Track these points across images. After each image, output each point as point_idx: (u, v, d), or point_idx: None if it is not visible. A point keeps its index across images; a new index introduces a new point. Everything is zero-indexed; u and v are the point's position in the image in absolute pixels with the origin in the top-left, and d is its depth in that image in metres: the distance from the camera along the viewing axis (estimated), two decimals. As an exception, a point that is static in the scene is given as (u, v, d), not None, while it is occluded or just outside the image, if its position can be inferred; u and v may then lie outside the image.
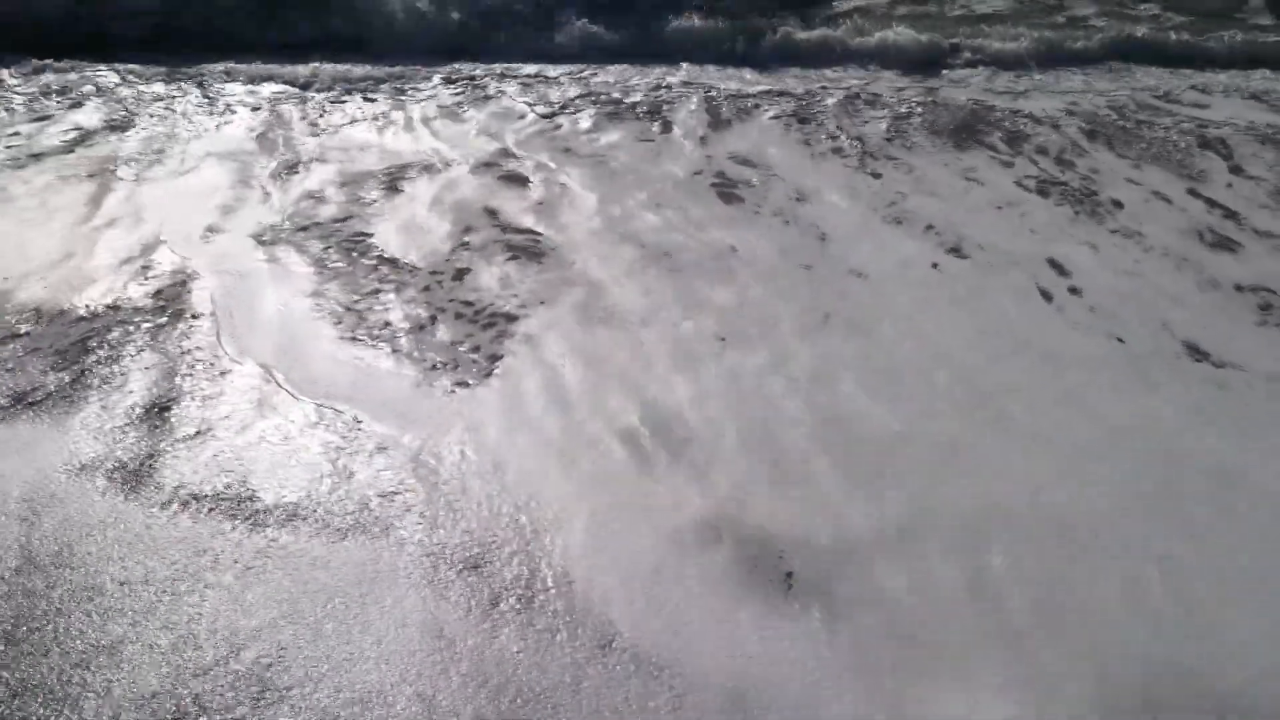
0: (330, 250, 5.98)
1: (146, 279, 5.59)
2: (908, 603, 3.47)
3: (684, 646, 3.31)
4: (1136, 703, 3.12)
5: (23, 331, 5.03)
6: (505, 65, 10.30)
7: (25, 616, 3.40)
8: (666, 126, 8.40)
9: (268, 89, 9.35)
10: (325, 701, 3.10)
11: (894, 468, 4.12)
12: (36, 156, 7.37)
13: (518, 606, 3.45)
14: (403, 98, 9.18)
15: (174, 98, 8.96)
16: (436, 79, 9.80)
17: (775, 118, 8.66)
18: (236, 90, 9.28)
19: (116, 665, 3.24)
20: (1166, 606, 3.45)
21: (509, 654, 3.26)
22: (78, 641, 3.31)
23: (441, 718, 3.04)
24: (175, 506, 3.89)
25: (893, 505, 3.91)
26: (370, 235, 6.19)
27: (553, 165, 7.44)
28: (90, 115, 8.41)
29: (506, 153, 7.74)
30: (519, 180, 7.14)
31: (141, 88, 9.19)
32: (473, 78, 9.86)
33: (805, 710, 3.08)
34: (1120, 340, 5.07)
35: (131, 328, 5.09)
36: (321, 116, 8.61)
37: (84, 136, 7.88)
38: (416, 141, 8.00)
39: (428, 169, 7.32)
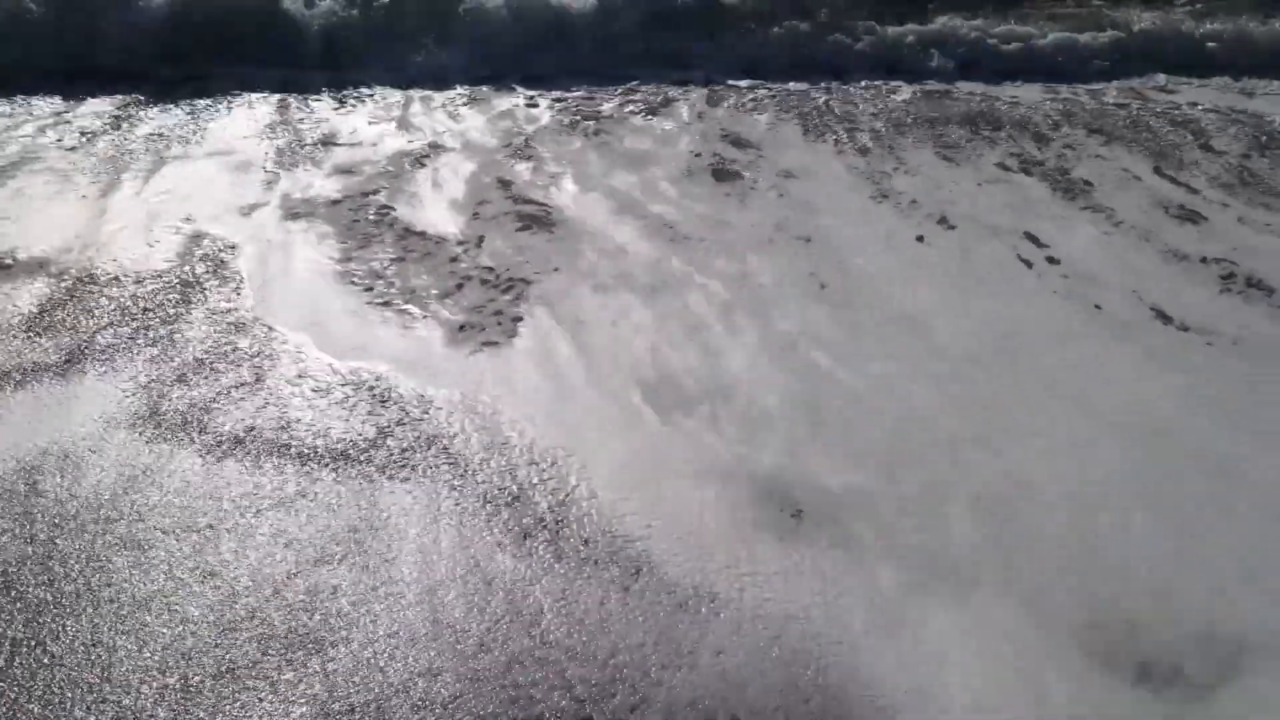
0: (359, 222, 6.28)
1: (192, 247, 5.88)
2: (907, 533, 3.79)
3: (708, 571, 3.61)
4: (1116, 617, 3.46)
5: (74, 294, 5.30)
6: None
7: (98, 549, 3.67)
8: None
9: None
10: (372, 630, 3.37)
11: (892, 421, 4.43)
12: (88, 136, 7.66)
13: (551, 541, 3.73)
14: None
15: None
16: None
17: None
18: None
19: (183, 592, 3.51)
20: (1144, 536, 3.78)
21: (544, 584, 3.55)
22: (150, 571, 3.58)
23: (481, 643, 3.32)
24: (223, 451, 4.16)
25: (890, 453, 4.22)
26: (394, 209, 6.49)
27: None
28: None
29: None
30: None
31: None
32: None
33: (827, 624, 3.39)
34: (1098, 307, 5.41)
35: (178, 292, 5.37)
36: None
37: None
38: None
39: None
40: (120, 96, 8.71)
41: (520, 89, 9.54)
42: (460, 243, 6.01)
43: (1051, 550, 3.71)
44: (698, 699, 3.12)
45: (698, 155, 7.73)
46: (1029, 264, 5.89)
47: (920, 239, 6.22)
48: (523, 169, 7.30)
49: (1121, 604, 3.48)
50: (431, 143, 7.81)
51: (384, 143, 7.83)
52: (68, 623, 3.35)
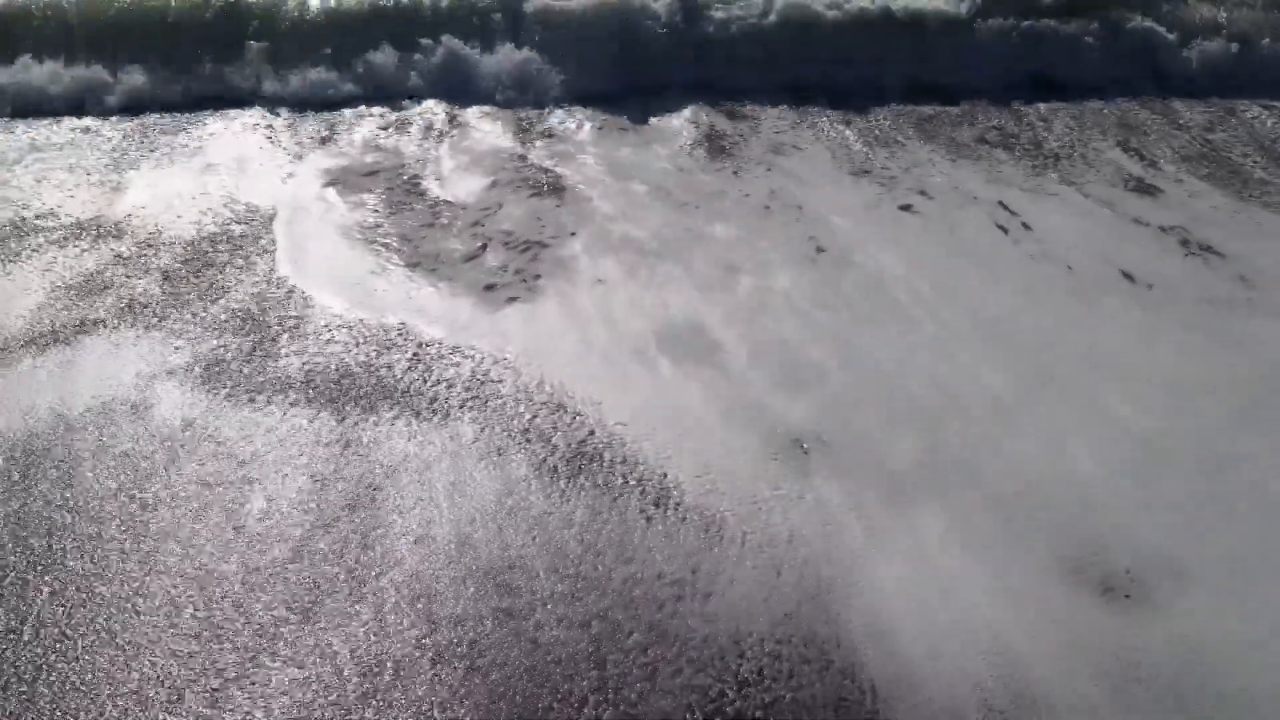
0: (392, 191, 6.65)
1: (239, 213, 6.23)
2: (895, 460, 4.22)
3: (725, 495, 4.03)
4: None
5: (133, 254, 5.67)
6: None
7: (156, 477, 4.04)
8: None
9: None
10: (414, 557, 3.75)
11: (885, 369, 4.85)
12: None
13: (576, 475, 4.12)
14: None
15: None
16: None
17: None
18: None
19: (238, 519, 3.90)
20: (1108, 466, 4.23)
21: (576, 513, 3.94)
22: (208, 510, 3.95)
23: (517, 563, 3.71)
24: (266, 398, 4.53)
25: (885, 393, 4.64)
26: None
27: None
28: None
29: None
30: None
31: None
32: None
33: (827, 544, 3.81)
34: (1069, 267, 5.83)
35: (226, 252, 5.73)
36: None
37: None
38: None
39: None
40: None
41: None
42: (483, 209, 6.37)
43: (1028, 479, 4.14)
44: (711, 614, 3.55)
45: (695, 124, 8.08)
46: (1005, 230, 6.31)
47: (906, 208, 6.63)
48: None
49: (1087, 527, 3.93)
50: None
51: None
52: (138, 546, 3.73)
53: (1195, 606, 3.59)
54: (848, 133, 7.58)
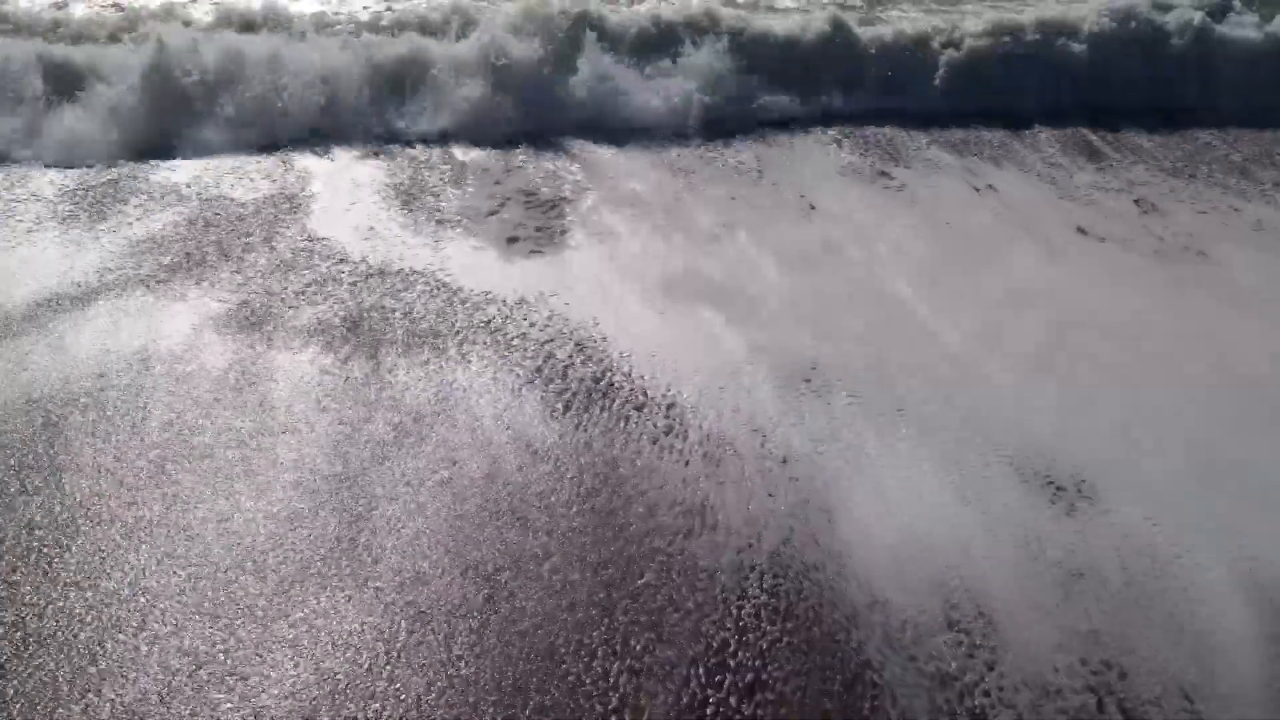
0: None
1: (278, 180, 6.71)
2: (879, 396, 4.75)
3: (734, 424, 4.54)
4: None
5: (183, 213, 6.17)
6: None
7: (194, 411, 4.53)
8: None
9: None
10: (443, 479, 4.14)
11: (875, 315, 5.38)
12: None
13: (594, 406, 4.59)
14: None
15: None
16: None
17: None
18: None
19: (274, 447, 4.34)
20: (1057, 390, 4.80)
21: (594, 437, 4.42)
22: (246, 443, 4.39)
23: (541, 484, 4.14)
24: (300, 343, 4.95)
25: (872, 333, 5.17)
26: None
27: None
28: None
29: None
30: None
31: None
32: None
33: (820, 462, 4.33)
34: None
35: (266, 213, 6.21)
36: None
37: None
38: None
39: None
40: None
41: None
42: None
43: (991, 404, 4.69)
44: (714, 522, 4.08)
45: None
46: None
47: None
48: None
49: (1041, 441, 4.50)
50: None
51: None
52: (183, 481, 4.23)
53: (1138, 511, 4.11)
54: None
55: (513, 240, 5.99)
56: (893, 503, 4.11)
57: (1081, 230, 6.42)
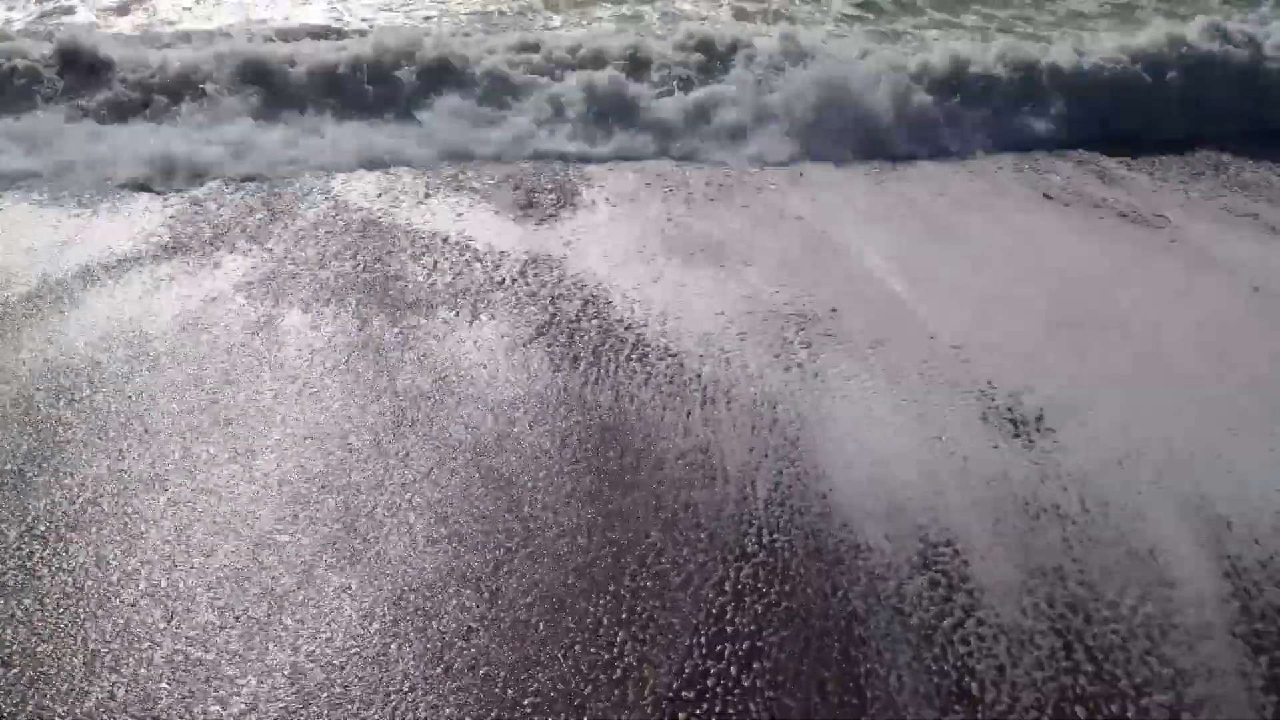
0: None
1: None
2: (852, 335, 5.09)
3: (733, 372, 4.80)
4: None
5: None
6: None
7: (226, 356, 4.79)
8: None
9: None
10: (464, 428, 4.39)
11: (859, 268, 5.73)
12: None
13: (602, 358, 4.87)
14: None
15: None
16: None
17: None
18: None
19: (303, 403, 4.63)
20: (1018, 331, 5.01)
21: (604, 388, 4.67)
22: (278, 405, 4.69)
23: (557, 432, 4.41)
24: (328, 306, 5.23)
25: (852, 288, 5.48)
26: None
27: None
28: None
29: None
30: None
31: None
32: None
33: (802, 403, 4.58)
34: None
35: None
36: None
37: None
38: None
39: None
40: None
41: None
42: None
43: (958, 343, 5.04)
44: (708, 463, 4.33)
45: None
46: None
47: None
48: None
49: (1002, 377, 4.79)
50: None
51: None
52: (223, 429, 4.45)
53: (1094, 444, 4.38)
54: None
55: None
56: (865, 435, 4.39)
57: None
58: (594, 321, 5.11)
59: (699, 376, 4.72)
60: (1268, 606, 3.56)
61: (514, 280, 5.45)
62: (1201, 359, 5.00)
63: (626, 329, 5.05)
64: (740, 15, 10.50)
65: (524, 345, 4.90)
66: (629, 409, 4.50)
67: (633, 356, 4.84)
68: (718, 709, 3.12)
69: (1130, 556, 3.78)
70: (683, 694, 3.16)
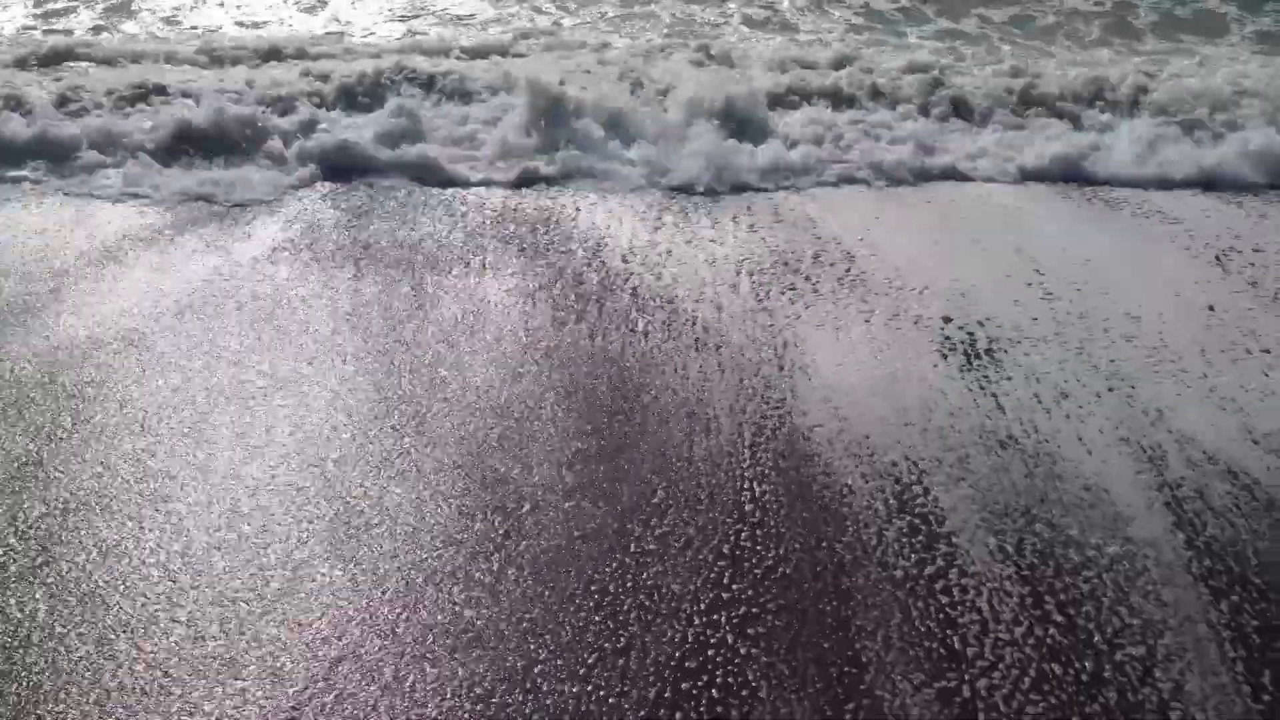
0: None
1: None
2: (824, 281, 5.45)
3: (710, 313, 5.22)
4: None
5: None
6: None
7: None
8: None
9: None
10: (482, 375, 4.70)
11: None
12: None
13: (606, 306, 5.27)
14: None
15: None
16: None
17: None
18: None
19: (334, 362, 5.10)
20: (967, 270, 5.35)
21: (611, 330, 5.07)
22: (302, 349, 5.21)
23: (568, 364, 4.76)
24: (352, 266, 5.60)
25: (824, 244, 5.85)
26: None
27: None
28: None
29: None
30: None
31: None
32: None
33: (787, 337, 4.97)
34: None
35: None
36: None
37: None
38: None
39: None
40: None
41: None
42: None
43: (922, 285, 5.47)
44: (702, 395, 4.75)
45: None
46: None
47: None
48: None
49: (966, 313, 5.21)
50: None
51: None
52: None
53: (1038, 372, 4.74)
54: None
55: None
56: (840, 366, 4.78)
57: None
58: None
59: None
60: (1213, 541, 3.75)
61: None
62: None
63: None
64: (749, 23, 10.66)
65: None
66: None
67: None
68: (718, 677, 3.17)
69: (1084, 491, 4.01)
70: (686, 664, 3.20)
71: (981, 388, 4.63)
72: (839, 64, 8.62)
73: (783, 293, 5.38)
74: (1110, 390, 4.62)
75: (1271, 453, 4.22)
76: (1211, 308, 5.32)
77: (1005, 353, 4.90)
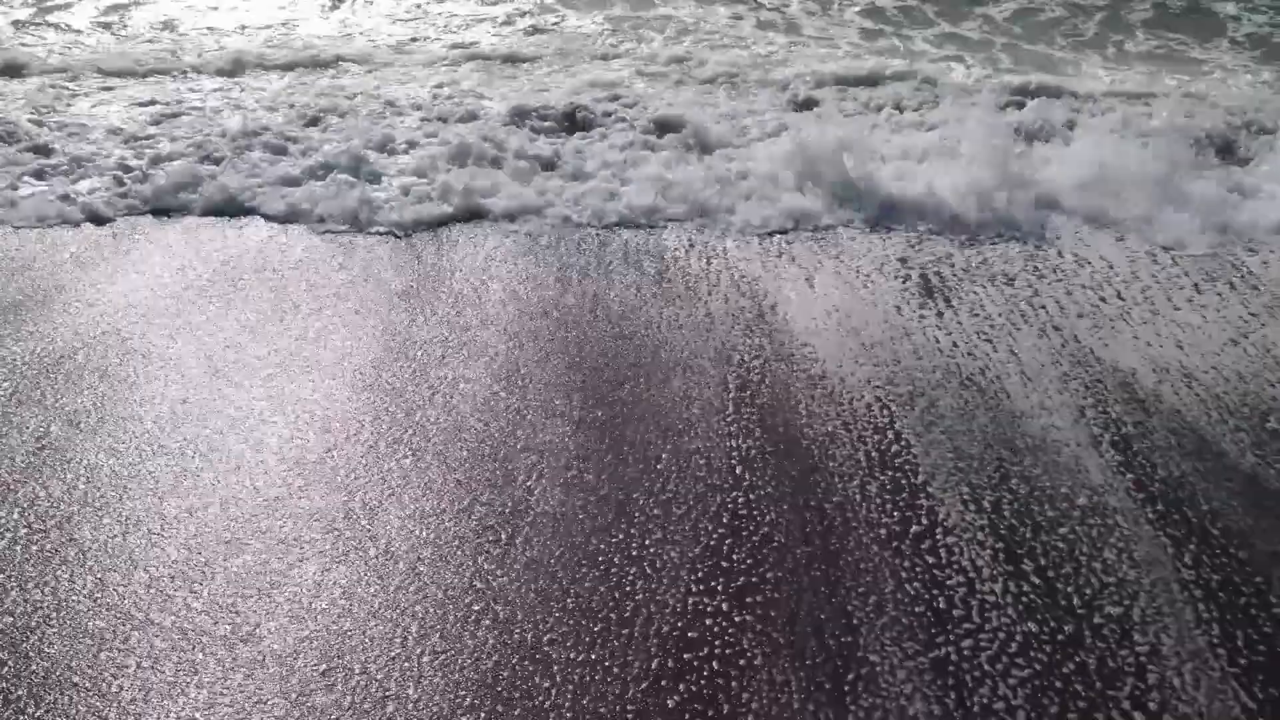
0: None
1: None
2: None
3: (711, 258, 5.71)
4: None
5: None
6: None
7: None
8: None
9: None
10: (495, 336, 4.98)
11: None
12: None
13: (613, 245, 5.80)
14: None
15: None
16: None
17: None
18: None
19: (345, 326, 5.54)
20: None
21: (615, 272, 5.52)
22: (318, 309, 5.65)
23: (568, 325, 5.08)
24: (371, 237, 6.00)
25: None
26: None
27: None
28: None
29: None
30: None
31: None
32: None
33: (761, 281, 5.43)
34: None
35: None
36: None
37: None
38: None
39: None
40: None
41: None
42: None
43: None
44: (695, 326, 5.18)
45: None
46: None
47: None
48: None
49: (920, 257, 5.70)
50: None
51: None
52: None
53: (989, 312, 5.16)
54: None
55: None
56: (817, 310, 5.17)
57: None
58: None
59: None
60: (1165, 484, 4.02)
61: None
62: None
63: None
64: (761, 25, 10.71)
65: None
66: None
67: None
68: (715, 643, 3.28)
69: (1037, 433, 4.29)
70: (688, 634, 3.29)
71: None
72: None
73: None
74: None
75: None
76: None
77: None
